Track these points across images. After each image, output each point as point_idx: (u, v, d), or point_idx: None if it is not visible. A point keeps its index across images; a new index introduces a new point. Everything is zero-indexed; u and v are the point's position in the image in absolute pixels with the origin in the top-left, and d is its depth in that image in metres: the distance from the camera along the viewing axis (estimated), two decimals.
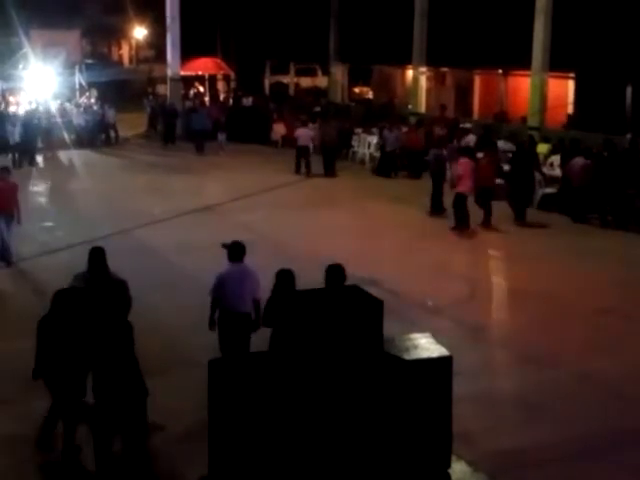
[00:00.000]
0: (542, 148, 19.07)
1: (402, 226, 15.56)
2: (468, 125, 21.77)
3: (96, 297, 7.58)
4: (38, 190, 19.39)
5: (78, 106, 27.53)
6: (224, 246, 8.41)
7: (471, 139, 20.11)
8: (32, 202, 16.98)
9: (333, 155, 21.42)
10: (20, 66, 29.00)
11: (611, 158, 16.06)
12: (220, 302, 8.28)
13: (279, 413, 5.96)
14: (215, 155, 23.99)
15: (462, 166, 15.30)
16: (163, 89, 34.03)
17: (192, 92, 34.55)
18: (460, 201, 15.20)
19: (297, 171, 21.08)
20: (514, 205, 16.12)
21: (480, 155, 16.37)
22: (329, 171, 21.05)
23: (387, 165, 21.03)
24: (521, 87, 23.64)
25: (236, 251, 8.29)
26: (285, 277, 7.72)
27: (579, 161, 16.20)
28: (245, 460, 6.01)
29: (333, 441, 6.06)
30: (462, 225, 15.20)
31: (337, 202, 17.87)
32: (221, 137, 24.98)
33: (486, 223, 15.48)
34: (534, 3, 20.90)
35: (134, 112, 31.09)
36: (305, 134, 21.52)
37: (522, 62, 21.72)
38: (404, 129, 21.95)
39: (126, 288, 7.89)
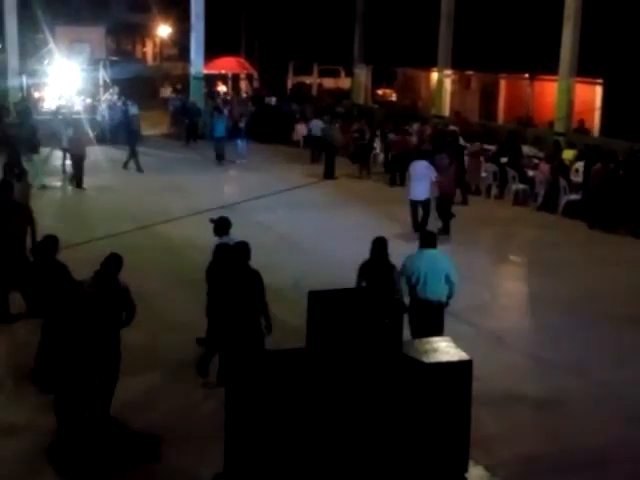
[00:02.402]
0: (568, 154, 18.87)
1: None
2: (453, 128, 21.57)
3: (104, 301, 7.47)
4: (59, 185, 19.48)
5: (101, 102, 27.63)
6: (212, 221, 9.24)
7: (460, 142, 19.95)
8: (54, 197, 17.07)
9: (332, 156, 21.20)
10: (45, 62, 29.15)
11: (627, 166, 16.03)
12: None
13: (296, 412, 5.89)
14: (235, 160, 23.63)
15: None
16: (166, 92, 33.88)
17: (218, 90, 34.65)
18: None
19: (313, 161, 22.90)
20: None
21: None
22: (327, 172, 20.86)
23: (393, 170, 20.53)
24: (547, 92, 23.44)
25: (224, 225, 9.15)
26: (380, 244, 8.62)
27: (597, 166, 16.13)
28: (261, 458, 5.94)
29: (350, 442, 5.98)
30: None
31: (355, 203, 17.79)
32: (241, 144, 23.92)
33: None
34: (563, 7, 20.69)
35: (157, 109, 31.19)
36: (317, 125, 23.69)
37: (549, 67, 21.51)
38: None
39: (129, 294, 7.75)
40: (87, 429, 7.37)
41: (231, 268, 8.17)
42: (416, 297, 8.50)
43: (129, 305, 7.55)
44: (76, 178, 19.10)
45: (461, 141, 20.13)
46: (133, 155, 21.62)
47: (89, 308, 7.29)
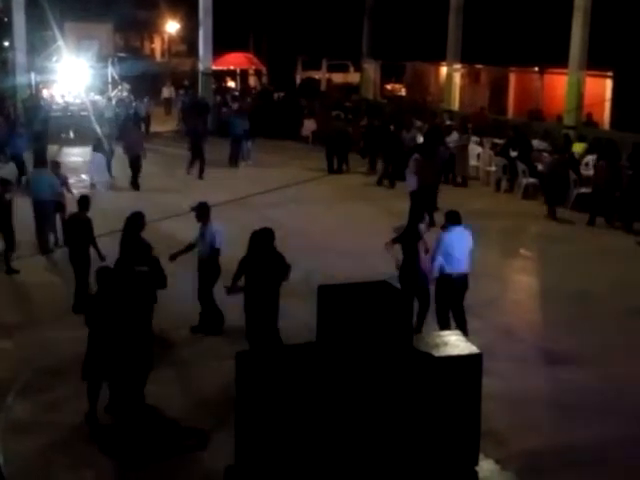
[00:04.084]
0: (578, 147, 18.78)
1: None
2: (449, 122, 21.39)
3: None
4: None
5: (109, 99, 27.61)
6: (192, 209, 9.71)
7: (455, 137, 19.71)
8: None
9: (333, 152, 21.05)
10: (54, 59, 29.21)
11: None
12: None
13: (307, 406, 5.87)
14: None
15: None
16: (169, 92, 33.58)
17: (228, 85, 34.51)
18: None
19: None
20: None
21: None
22: (331, 167, 20.76)
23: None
24: (557, 85, 23.31)
25: (204, 211, 9.67)
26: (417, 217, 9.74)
27: (601, 162, 16.16)
28: (271, 450, 5.93)
29: (361, 436, 5.96)
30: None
31: (365, 198, 17.81)
32: (247, 144, 22.50)
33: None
34: (572, 0, 20.55)
35: (162, 108, 31.14)
36: None
37: (559, 60, 21.39)
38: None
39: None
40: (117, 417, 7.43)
41: (258, 252, 8.64)
42: (450, 271, 9.16)
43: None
44: (133, 179, 18.84)
45: (455, 136, 19.85)
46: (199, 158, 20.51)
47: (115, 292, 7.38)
